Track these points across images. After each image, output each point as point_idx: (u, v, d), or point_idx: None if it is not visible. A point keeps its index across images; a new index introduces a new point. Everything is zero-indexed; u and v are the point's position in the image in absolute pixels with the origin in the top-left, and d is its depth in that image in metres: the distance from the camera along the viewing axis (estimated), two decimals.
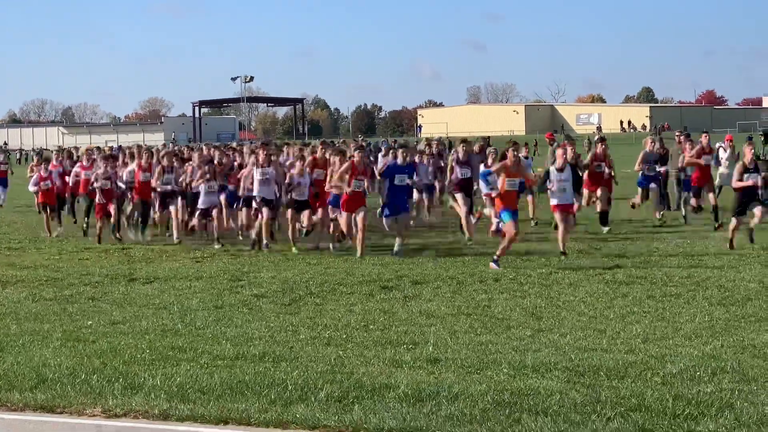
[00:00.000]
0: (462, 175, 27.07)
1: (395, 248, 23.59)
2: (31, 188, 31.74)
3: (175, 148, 45.26)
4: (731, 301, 16.33)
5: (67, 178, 32.82)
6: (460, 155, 27.53)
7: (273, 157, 26.61)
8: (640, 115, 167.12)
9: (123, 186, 28.97)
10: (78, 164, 33.33)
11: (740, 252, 22.09)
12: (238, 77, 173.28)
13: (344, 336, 14.52)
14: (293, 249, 24.77)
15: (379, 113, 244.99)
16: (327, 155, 26.88)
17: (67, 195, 33.27)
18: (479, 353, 13.18)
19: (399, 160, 24.66)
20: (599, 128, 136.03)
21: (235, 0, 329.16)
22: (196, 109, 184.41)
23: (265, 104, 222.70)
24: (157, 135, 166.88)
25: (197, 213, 27.07)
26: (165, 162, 28.25)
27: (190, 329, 15.31)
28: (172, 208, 27.68)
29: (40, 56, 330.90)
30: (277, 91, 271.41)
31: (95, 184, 27.96)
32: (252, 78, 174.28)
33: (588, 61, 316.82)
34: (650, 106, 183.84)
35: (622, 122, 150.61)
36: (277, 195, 25.76)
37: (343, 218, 24.17)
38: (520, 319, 15.55)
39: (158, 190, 27.77)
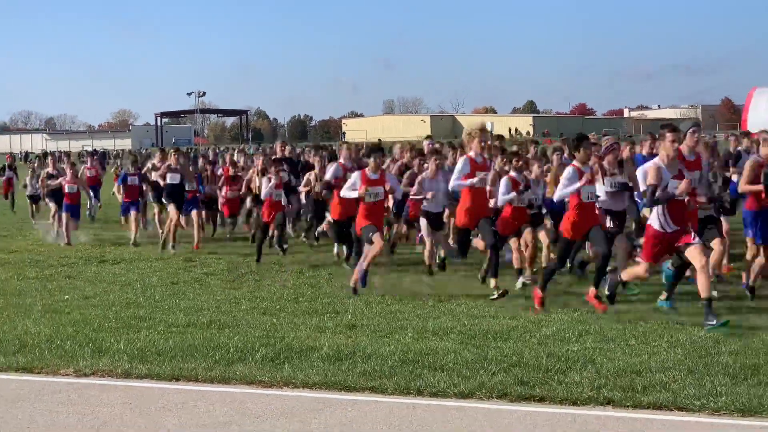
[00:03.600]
0: None
1: None
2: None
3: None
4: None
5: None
6: None
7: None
8: (525, 124, 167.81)
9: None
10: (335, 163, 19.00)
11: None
12: (192, 92, 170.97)
13: (278, 307, 14.45)
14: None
15: (310, 122, 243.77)
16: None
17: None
18: (389, 320, 13.18)
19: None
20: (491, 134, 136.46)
21: (188, 27, 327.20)
22: (158, 118, 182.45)
23: (216, 115, 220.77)
24: (126, 141, 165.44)
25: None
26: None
27: (150, 302, 15.16)
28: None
29: (27, 73, 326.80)
30: (226, 104, 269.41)
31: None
32: (204, 93, 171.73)
33: (482, 78, 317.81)
34: (533, 116, 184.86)
35: (510, 129, 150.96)
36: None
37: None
38: (423, 291, 15.57)
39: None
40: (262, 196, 19.82)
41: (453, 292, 15.20)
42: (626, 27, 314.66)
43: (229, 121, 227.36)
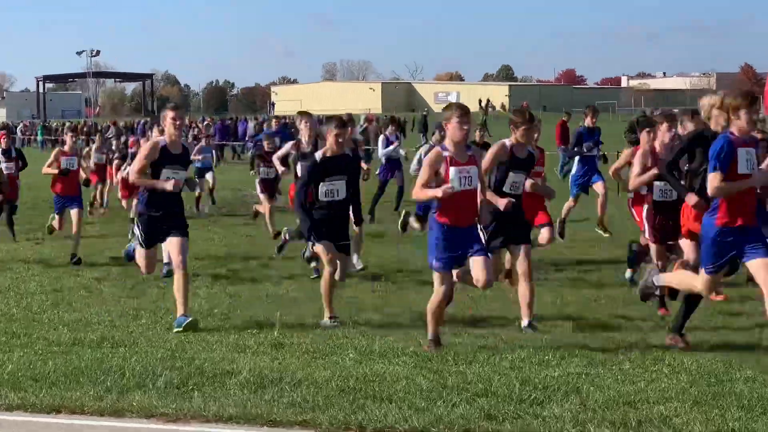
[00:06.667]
0: None
1: None
2: None
3: None
4: (583, 285, 16.55)
5: None
6: None
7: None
8: (499, 94, 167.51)
9: None
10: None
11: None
12: (83, 51, 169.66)
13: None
14: None
15: (231, 90, 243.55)
16: None
17: None
18: (326, 338, 13.17)
19: None
20: None
21: None
22: (40, 84, 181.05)
23: (113, 80, 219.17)
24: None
25: None
26: None
27: (26, 314, 15.08)
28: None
29: None
30: (126, 67, 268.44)
31: None
32: (98, 52, 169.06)
33: (447, 38, 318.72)
34: (509, 85, 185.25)
35: (480, 101, 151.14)
36: None
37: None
38: (367, 301, 15.61)
39: None
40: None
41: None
42: None
43: (130, 87, 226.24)
